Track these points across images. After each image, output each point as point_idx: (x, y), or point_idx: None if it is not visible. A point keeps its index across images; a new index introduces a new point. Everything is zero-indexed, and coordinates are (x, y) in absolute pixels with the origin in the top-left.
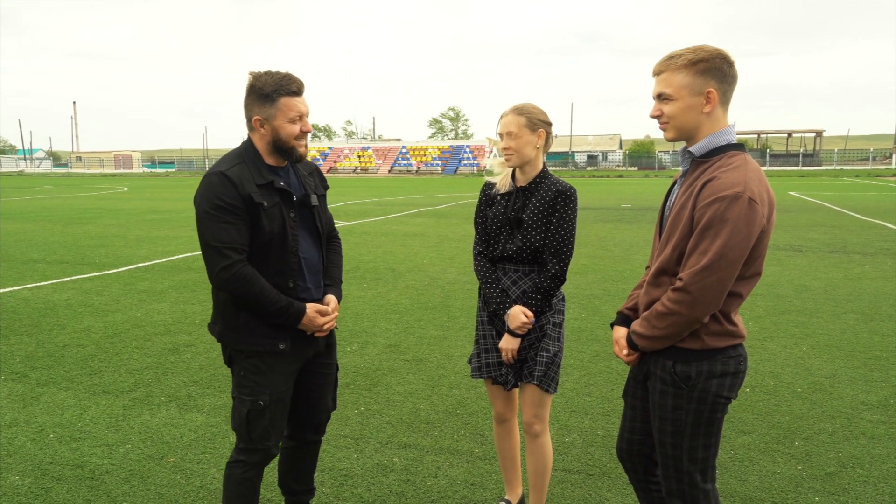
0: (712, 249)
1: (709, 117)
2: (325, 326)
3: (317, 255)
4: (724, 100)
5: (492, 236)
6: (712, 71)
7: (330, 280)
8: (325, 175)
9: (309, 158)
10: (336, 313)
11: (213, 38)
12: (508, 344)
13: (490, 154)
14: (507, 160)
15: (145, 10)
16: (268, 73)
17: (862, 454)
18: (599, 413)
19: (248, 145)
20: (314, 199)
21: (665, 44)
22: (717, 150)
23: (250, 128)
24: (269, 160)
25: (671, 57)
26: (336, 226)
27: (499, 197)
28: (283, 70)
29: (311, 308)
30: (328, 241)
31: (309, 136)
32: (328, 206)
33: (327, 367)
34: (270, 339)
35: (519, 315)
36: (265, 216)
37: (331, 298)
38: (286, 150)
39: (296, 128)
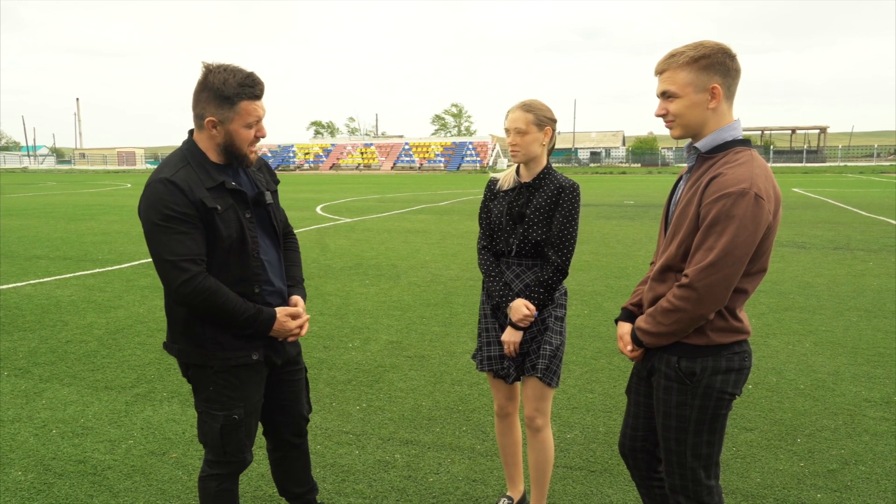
0: (718, 246)
1: (714, 113)
2: (302, 332)
3: (276, 256)
4: (729, 94)
5: (495, 231)
6: (715, 66)
7: (291, 280)
8: (325, 172)
9: (312, 156)
10: (307, 315)
11: (215, 35)
12: (510, 337)
13: (494, 151)
14: (513, 156)
15: (145, 7)
16: (227, 71)
17: (864, 451)
18: (601, 409)
19: (190, 145)
20: (268, 197)
21: (667, 40)
22: (723, 146)
23: (199, 125)
24: (216, 159)
25: (672, 55)
26: (338, 222)
27: (503, 192)
28: (242, 67)
29: (281, 312)
30: (284, 238)
31: (260, 141)
32: (280, 203)
33: (297, 372)
34: (243, 352)
35: (521, 308)
36: (220, 221)
37: (297, 299)
38: (238, 157)
39: (251, 133)
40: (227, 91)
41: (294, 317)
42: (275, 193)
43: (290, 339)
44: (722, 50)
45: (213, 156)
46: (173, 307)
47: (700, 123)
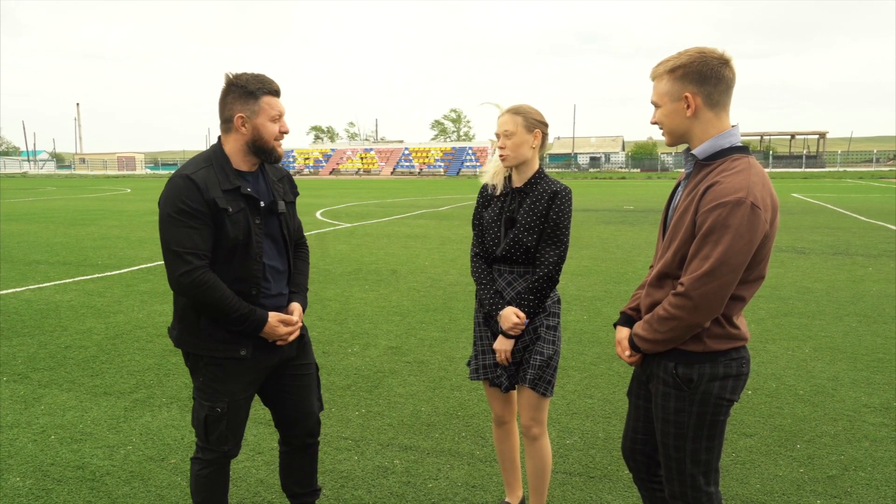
0: (714, 255)
1: (697, 120)
2: (290, 338)
3: (282, 263)
4: (711, 102)
5: (488, 237)
6: (689, 75)
7: (295, 287)
8: (325, 177)
9: (312, 161)
10: (300, 322)
11: (214, 39)
12: (502, 345)
13: (493, 155)
14: (502, 160)
15: (143, 11)
16: (246, 73)
17: (864, 457)
18: (601, 415)
19: (216, 149)
20: (281, 206)
21: (664, 44)
22: (720, 153)
23: (227, 129)
24: (240, 164)
25: (659, 64)
26: (338, 227)
27: (495, 198)
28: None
29: (273, 317)
30: (296, 248)
31: (284, 137)
32: (297, 213)
33: (304, 367)
34: (231, 346)
35: (511, 316)
36: (230, 222)
37: (295, 307)
38: (266, 151)
39: (276, 127)
40: (250, 87)
41: (286, 323)
42: (290, 204)
43: (280, 342)
44: (702, 58)
45: (238, 160)
46: (178, 296)
47: (683, 131)
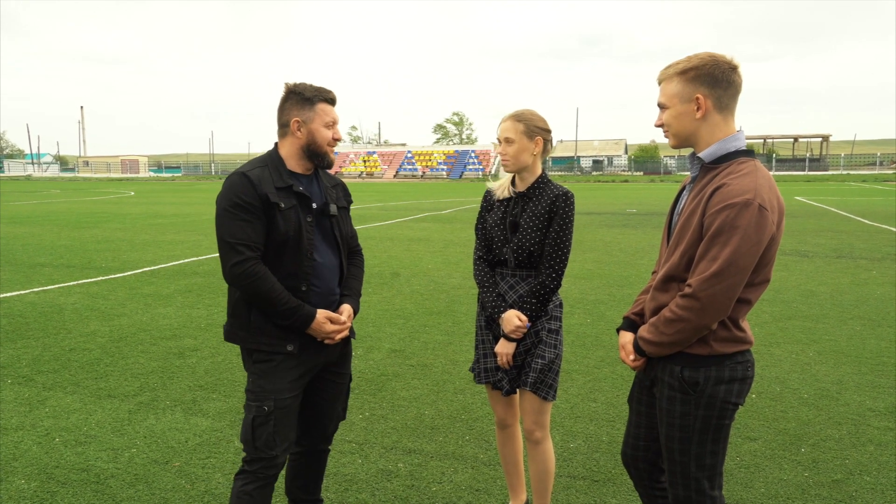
0: (722, 256)
1: (705, 123)
2: (337, 337)
3: (334, 263)
4: (720, 105)
5: (491, 241)
6: (701, 77)
7: (348, 290)
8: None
9: None
10: (349, 323)
11: (215, 42)
12: (503, 348)
13: (496, 159)
14: (503, 165)
15: (144, 14)
16: (304, 82)
17: (869, 461)
18: (605, 419)
19: (272, 153)
20: (333, 209)
21: (667, 47)
22: (726, 157)
23: (283, 133)
24: (295, 167)
25: (666, 67)
26: None
27: (498, 202)
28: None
29: (321, 314)
30: (351, 255)
31: (337, 144)
32: (352, 221)
33: (340, 376)
34: (278, 340)
35: (513, 319)
36: (281, 217)
37: (345, 308)
38: (319, 155)
39: (329, 133)
40: (307, 94)
41: (334, 321)
42: (344, 210)
43: (328, 341)
44: (713, 62)
45: (293, 163)
46: (231, 289)
47: (690, 133)
